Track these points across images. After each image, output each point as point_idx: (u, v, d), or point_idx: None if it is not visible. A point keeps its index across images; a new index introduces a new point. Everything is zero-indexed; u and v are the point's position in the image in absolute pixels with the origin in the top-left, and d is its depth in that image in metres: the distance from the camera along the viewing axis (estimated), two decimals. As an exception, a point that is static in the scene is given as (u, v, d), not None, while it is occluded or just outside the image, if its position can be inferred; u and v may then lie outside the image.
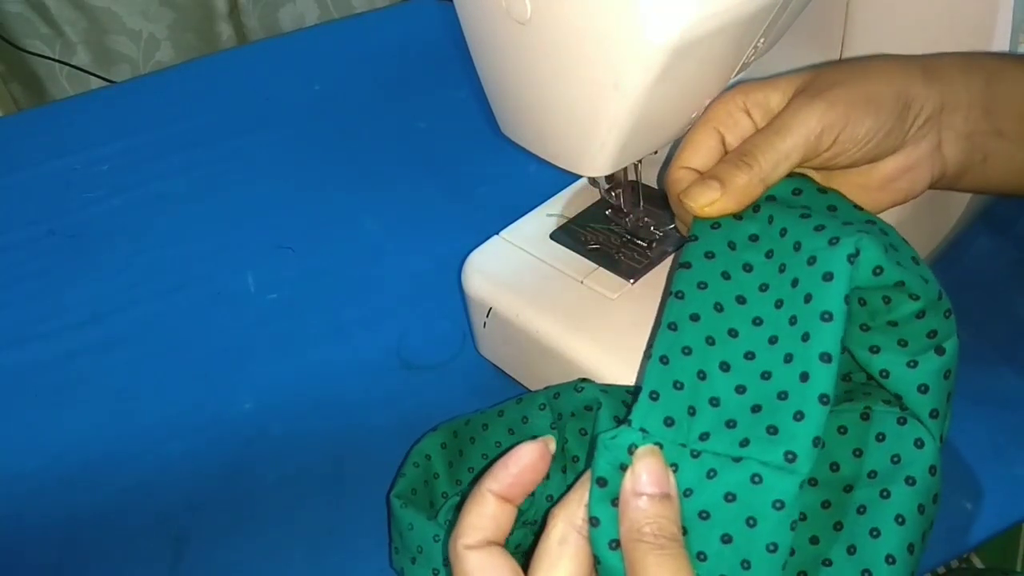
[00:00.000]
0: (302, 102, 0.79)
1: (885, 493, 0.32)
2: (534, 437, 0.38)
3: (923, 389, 0.33)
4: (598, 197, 0.48)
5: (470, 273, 0.46)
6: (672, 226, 0.45)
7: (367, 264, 0.61)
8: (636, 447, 0.29)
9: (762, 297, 0.32)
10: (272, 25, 1.31)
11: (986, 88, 0.36)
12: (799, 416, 0.29)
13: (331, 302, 0.58)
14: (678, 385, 0.31)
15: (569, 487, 0.36)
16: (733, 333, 0.32)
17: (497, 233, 0.48)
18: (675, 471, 0.29)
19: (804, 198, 0.35)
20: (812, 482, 0.32)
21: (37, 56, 1.20)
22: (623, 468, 0.29)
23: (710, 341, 0.32)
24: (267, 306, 0.59)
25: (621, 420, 0.34)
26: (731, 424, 0.30)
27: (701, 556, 0.28)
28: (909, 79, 0.35)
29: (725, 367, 0.31)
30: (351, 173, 0.70)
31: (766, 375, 0.30)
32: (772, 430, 0.29)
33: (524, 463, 0.30)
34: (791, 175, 0.35)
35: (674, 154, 0.37)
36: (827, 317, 0.30)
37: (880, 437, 0.33)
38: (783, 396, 0.29)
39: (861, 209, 0.35)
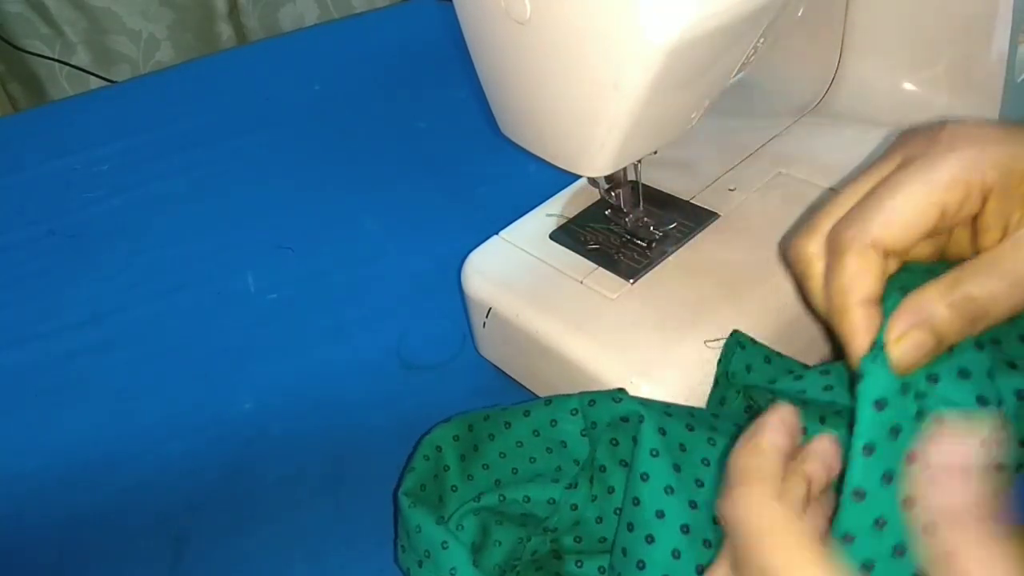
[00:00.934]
0: (302, 102, 0.79)
1: None
2: (563, 443, 0.37)
3: None
4: (598, 197, 0.48)
5: (470, 273, 0.46)
6: (672, 226, 0.45)
7: (367, 264, 0.61)
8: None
9: None
10: (272, 25, 1.31)
11: None
12: None
13: (331, 302, 0.58)
14: None
15: (595, 499, 0.35)
16: None
17: (497, 233, 0.48)
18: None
19: None
20: None
21: (37, 56, 1.20)
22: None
23: None
24: (267, 306, 0.59)
25: (665, 433, 0.33)
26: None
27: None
28: None
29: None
30: (351, 173, 0.70)
31: None
32: None
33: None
34: None
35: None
36: None
37: None
38: None
39: None
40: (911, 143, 0.31)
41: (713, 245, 0.44)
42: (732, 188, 0.47)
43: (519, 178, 0.63)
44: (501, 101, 0.40)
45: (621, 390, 0.37)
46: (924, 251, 0.31)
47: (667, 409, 0.35)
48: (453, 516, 0.37)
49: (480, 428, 0.40)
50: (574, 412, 0.37)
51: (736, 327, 0.39)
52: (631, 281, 0.42)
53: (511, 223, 0.48)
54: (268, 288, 0.60)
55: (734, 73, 0.37)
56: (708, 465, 0.34)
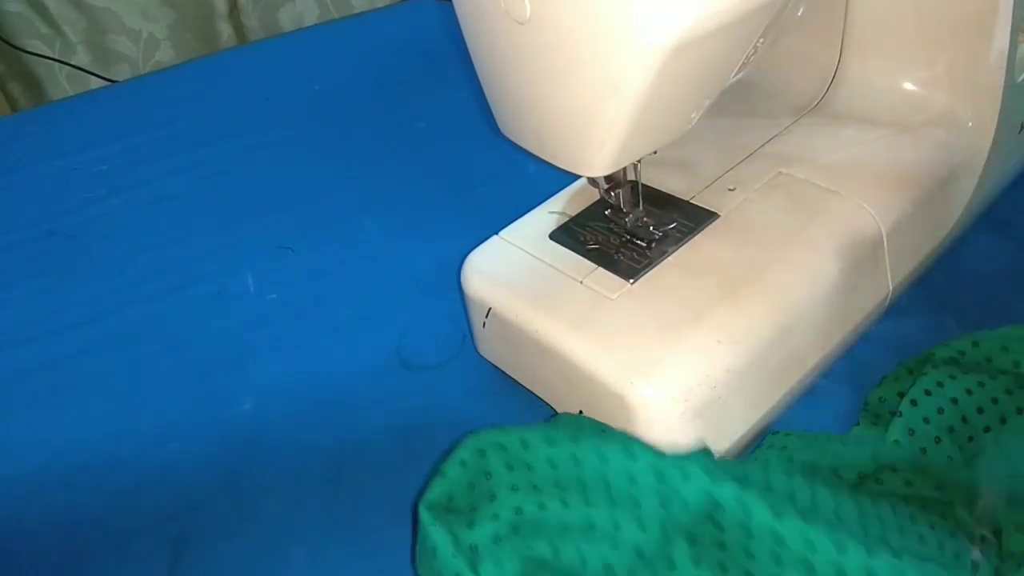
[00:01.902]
0: (302, 102, 0.79)
1: None
2: (637, 503, 0.33)
3: None
4: (598, 197, 0.48)
5: (470, 273, 0.46)
6: (672, 225, 0.45)
7: (367, 264, 0.61)
8: None
9: None
10: (272, 25, 1.31)
11: None
12: None
13: (331, 302, 0.58)
14: None
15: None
16: None
17: (497, 233, 0.48)
18: None
19: None
20: None
21: (37, 56, 1.20)
22: None
23: None
24: (267, 306, 0.59)
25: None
26: None
27: None
28: None
29: None
30: (351, 173, 0.70)
31: None
32: None
33: None
34: None
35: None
36: None
37: None
38: None
39: None
40: None
41: (713, 245, 0.44)
42: (732, 188, 0.47)
43: (519, 178, 0.63)
44: (501, 101, 0.40)
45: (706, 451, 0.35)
46: None
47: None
48: (485, 530, 0.34)
49: (539, 450, 0.35)
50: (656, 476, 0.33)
51: (736, 327, 0.39)
52: (631, 281, 0.42)
53: (511, 223, 0.48)
54: (268, 288, 0.60)
55: (734, 73, 0.37)
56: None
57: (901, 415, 0.38)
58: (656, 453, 0.33)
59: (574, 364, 0.40)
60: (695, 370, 0.38)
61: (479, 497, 0.35)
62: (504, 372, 0.49)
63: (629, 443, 0.34)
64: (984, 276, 0.51)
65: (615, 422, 0.39)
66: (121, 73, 1.25)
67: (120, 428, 0.51)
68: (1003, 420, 0.37)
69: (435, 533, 0.33)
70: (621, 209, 0.45)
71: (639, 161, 0.42)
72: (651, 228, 0.45)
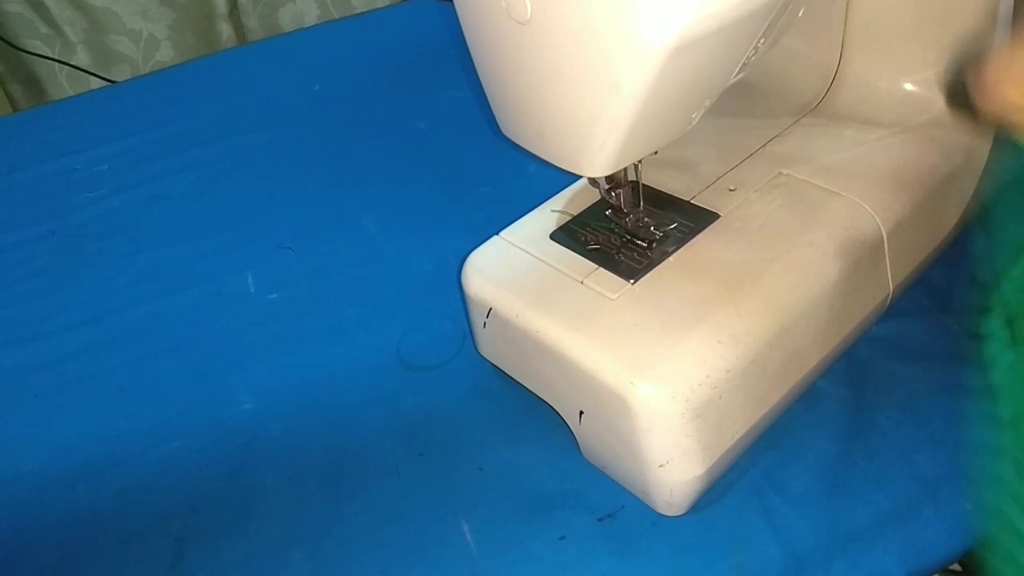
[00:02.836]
0: (302, 102, 0.79)
1: None
2: None
3: None
4: (598, 197, 0.48)
5: (470, 273, 0.46)
6: (673, 226, 0.45)
7: (367, 264, 0.61)
8: None
9: None
10: (272, 25, 1.31)
11: None
12: None
13: (331, 302, 0.58)
14: None
15: None
16: None
17: (497, 233, 0.48)
18: None
19: None
20: None
21: (37, 56, 1.20)
22: None
23: None
24: (267, 306, 0.59)
25: None
26: None
27: None
28: None
29: None
30: (351, 173, 0.70)
31: None
32: None
33: None
34: None
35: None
36: None
37: None
38: None
39: None
40: None
41: (713, 245, 0.44)
42: (732, 188, 0.47)
43: (519, 178, 0.63)
44: (501, 101, 0.40)
45: None
46: None
47: None
48: None
49: None
50: None
51: (736, 327, 0.39)
52: (631, 281, 0.42)
53: (511, 223, 0.48)
54: (268, 288, 0.60)
55: (734, 73, 0.37)
56: None
57: None
58: None
59: (574, 364, 0.40)
60: (695, 370, 0.38)
61: None
62: (504, 372, 0.49)
63: None
64: (984, 276, 0.51)
65: (615, 422, 0.39)
66: (121, 73, 1.25)
67: (120, 428, 0.51)
68: None
69: None
70: (622, 209, 0.45)
71: (640, 161, 0.42)
72: (652, 228, 0.45)
